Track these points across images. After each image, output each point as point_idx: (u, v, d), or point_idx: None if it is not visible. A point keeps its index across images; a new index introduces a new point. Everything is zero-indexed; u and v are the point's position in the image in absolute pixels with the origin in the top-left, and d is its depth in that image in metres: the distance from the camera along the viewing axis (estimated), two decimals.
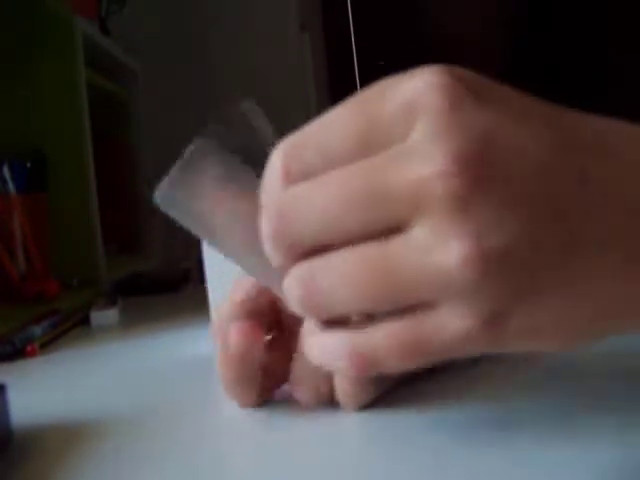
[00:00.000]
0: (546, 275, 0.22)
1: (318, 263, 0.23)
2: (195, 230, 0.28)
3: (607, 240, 0.22)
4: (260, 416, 0.35)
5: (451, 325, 0.22)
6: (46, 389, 0.44)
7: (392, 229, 0.22)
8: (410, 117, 0.22)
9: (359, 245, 0.23)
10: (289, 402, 0.36)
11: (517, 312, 0.22)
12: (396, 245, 0.22)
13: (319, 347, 0.25)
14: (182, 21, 1.50)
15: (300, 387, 0.32)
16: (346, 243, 0.23)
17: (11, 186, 0.77)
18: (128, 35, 1.18)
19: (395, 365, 0.23)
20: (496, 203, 0.21)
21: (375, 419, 0.32)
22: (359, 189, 0.22)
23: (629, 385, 0.33)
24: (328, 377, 0.32)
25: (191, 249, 0.62)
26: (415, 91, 0.22)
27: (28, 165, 0.79)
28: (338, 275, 0.23)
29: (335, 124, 0.24)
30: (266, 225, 0.24)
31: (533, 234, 0.21)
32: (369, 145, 0.23)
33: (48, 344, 0.56)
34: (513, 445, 0.27)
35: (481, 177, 0.21)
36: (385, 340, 0.23)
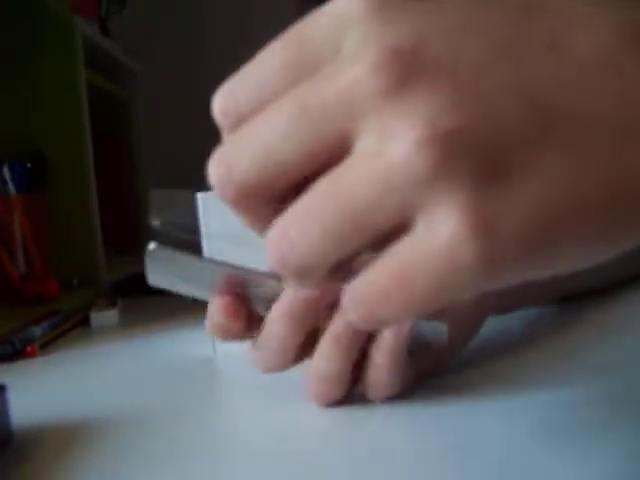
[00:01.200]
0: (524, 154, 0.18)
1: (287, 213, 0.21)
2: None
3: (588, 110, 0.19)
4: (260, 415, 0.35)
5: (432, 242, 0.18)
6: (46, 389, 0.44)
7: (342, 151, 0.20)
8: (339, 33, 0.20)
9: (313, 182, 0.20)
10: (290, 402, 0.36)
11: (506, 203, 0.18)
12: (346, 162, 0.19)
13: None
14: (182, 21, 1.50)
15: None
16: (293, 181, 0.21)
17: (11, 186, 0.77)
18: (128, 35, 1.18)
19: (391, 315, 0.19)
20: (444, 84, 0.18)
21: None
22: (294, 113, 0.20)
23: None
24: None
25: (190, 250, 0.62)
26: (341, 7, 0.21)
27: (28, 165, 0.79)
28: (302, 218, 0.20)
29: (267, 57, 0.22)
30: (212, 176, 0.22)
31: (496, 112, 0.18)
32: (302, 71, 0.21)
33: (48, 345, 0.56)
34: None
35: (421, 61, 0.18)
36: (368, 289, 0.20)
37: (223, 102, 0.22)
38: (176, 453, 0.30)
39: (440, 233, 0.18)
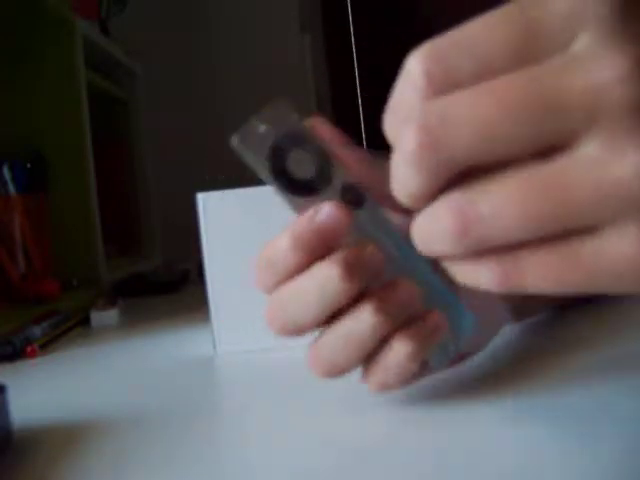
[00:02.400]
0: None
1: (476, 187, 0.21)
2: (262, 172, 0.31)
3: None
4: (260, 415, 0.35)
5: (614, 249, 0.19)
6: (46, 389, 0.44)
7: (557, 146, 0.20)
8: (574, 25, 0.20)
9: (522, 164, 0.20)
10: (290, 402, 0.36)
11: None
12: (566, 161, 0.20)
13: (464, 272, 0.22)
14: (182, 22, 1.50)
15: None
16: (504, 163, 0.20)
17: (11, 187, 0.77)
18: (128, 35, 1.18)
19: (541, 290, 0.21)
20: None
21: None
22: (526, 99, 0.19)
23: None
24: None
25: (190, 250, 0.62)
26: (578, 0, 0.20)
27: (28, 166, 0.79)
28: (501, 199, 0.20)
29: (490, 28, 0.21)
30: (409, 141, 0.20)
31: None
32: (528, 53, 0.20)
33: (48, 345, 0.56)
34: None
35: None
36: (535, 267, 0.21)
37: (430, 64, 0.21)
38: (176, 453, 0.30)
39: (629, 248, 0.19)
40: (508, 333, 0.45)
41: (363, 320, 0.30)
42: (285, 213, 0.46)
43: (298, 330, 0.32)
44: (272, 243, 0.31)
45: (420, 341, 0.30)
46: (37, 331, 0.56)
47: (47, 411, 0.38)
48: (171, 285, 0.85)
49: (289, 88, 1.52)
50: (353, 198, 0.30)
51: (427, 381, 0.36)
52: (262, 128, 0.30)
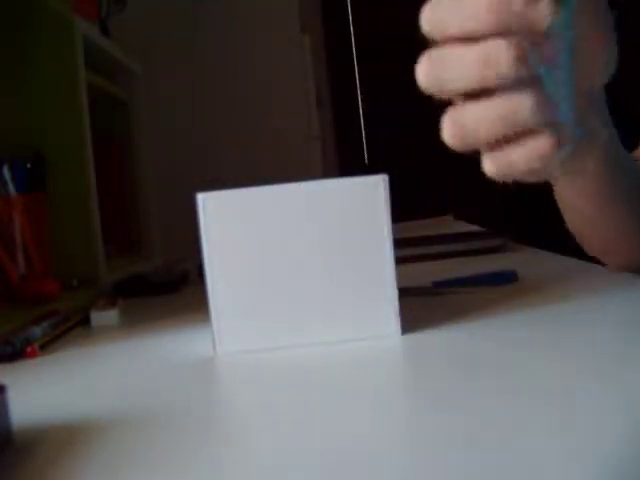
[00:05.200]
0: None
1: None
2: None
3: None
4: (260, 415, 0.35)
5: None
6: (46, 390, 0.44)
7: None
8: None
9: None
10: (290, 402, 0.36)
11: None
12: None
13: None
14: (182, 22, 1.50)
15: None
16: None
17: (11, 187, 0.77)
18: (128, 35, 1.18)
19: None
20: None
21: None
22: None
23: None
24: None
25: (190, 250, 0.62)
26: None
27: (28, 166, 0.79)
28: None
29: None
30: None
31: None
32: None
33: (48, 345, 0.56)
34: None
35: None
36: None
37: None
38: (176, 453, 0.30)
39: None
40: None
41: (523, 105, 0.34)
42: (285, 213, 0.47)
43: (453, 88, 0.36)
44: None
45: (562, 142, 0.35)
46: (37, 331, 0.56)
47: (47, 411, 0.38)
48: (171, 285, 0.85)
49: (289, 88, 1.52)
50: None
51: (426, 381, 0.36)
52: None
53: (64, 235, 0.84)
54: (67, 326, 0.62)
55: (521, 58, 0.33)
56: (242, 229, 0.47)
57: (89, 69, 0.89)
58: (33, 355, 0.52)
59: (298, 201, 0.47)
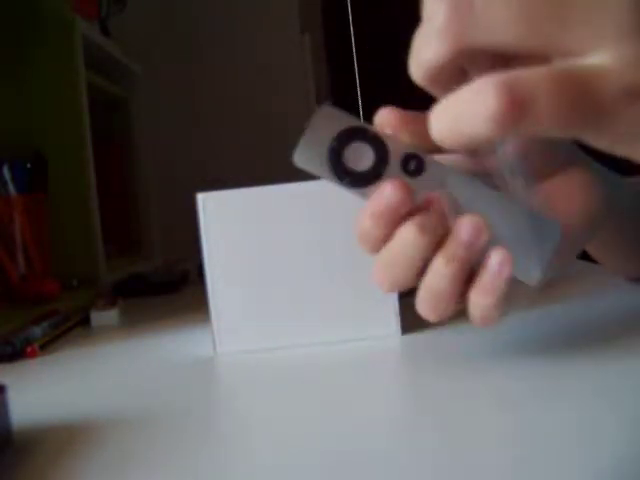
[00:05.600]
0: None
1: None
2: (328, 178, 0.34)
3: None
4: (260, 415, 0.35)
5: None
6: (46, 390, 0.44)
7: None
8: None
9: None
10: (290, 402, 0.36)
11: None
12: None
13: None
14: (182, 22, 1.50)
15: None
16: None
17: (11, 187, 0.77)
18: (128, 35, 1.18)
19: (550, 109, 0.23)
20: None
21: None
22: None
23: None
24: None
25: (190, 250, 0.62)
26: None
27: (28, 166, 0.79)
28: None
29: None
30: (440, 14, 0.25)
31: None
32: None
33: (48, 345, 0.56)
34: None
35: None
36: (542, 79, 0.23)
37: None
38: (176, 453, 0.30)
39: None
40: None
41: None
42: (285, 213, 0.47)
43: (400, 285, 0.37)
44: (358, 224, 0.35)
45: (494, 296, 0.34)
46: (37, 331, 0.56)
47: (47, 411, 0.38)
48: (171, 285, 0.85)
49: (289, 88, 1.52)
50: (415, 166, 0.34)
51: (426, 381, 0.36)
52: (314, 138, 0.33)
53: (64, 235, 0.84)
54: (67, 326, 0.62)
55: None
56: (242, 229, 0.47)
57: (89, 69, 0.89)
58: (33, 355, 0.52)
59: (298, 201, 0.47)
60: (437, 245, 0.34)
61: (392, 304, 0.47)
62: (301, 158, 0.33)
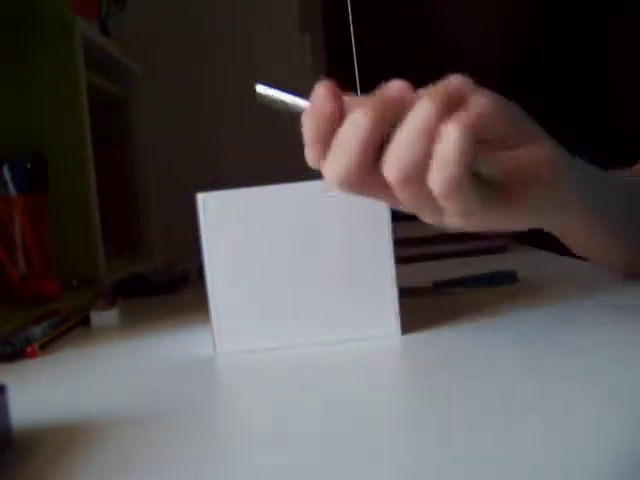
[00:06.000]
0: None
1: None
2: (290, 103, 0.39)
3: None
4: (260, 415, 0.35)
5: None
6: (46, 389, 0.44)
7: None
8: None
9: None
10: (290, 402, 0.36)
11: None
12: None
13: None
14: (182, 22, 1.50)
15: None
16: None
17: (11, 187, 0.77)
18: (128, 35, 1.18)
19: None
20: None
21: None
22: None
23: None
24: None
25: (190, 250, 0.62)
26: None
27: (28, 166, 0.79)
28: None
29: None
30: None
31: None
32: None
33: (48, 345, 0.56)
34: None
35: None
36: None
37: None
38: (176, 453, 0.30)
39: None
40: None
41: (423, 110, 0.35)
42: (285, 213, 0.47)
43: (351, 173, 0.38)
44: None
45: (467, 129, 0.34)
46: (37, 331, 0.56)
47: (47, 411, 0.38)
48: (171, 285, 0.85)
49: (289, 88, 1.52)
50: None
51: (426, 381, 0.36)
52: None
53: (64, 235, 0.84)
54: (67, 326, 0.62)
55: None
56: (242, 229, 0.47)
57: (89, 69, 0.89)
58: (33, 355, 0.52)
59: (298, 201, 0.47)
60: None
61: (392, 304, 0.47)
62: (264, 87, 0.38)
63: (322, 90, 0.39)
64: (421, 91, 0.37)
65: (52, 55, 0.84)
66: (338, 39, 1.94)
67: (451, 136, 0.34)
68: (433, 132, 0.35)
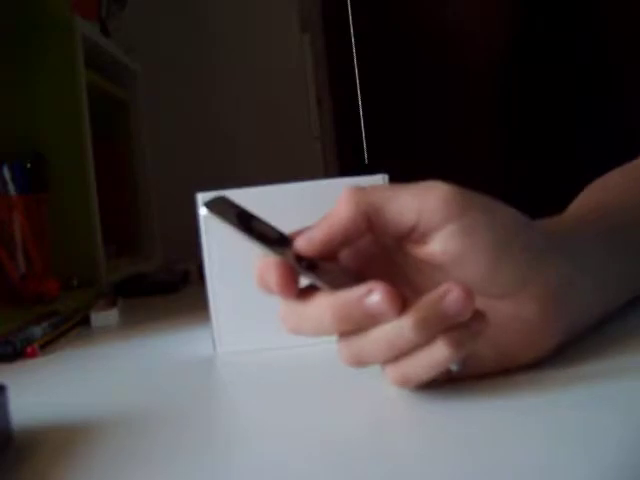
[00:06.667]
0: None
1: None
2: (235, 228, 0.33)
3: None
4: (260, 415, 0.35)
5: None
6: (46, 389, 0.44)
7: None
8: None
9: None
10: (290, 402, 0.36)
11: None
12: None
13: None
14: (182, 22, 1.50)
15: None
16: None
17: (11, 187, 0.77)
18: (128, 35, 1.18)
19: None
20: None
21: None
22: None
23: None
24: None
25: (190, 250, 0.62)
26: None
27: (28, 166, 0.79)
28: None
29: None
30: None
31: None
32: None
33: (48, 345, 0.56)
34: None
35: None
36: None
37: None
38: (176, 453, 0.30)
39: None
40: None
41: (404, 330, 0.31)
42: (285, 213, 0.46)
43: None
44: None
45: (460, 345, 0.31)
46: (37, 331, 0.56)
47: (47, 411, 0.38)
48: (171, 285, 0.85)
49: (289, 89, 1.52)
50: (309, 262, 0.33)
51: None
52: (224, 201, 0.34)
53: (64, 235, 0.84)
54: (67, 326, 0.62)
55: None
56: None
57: (89, 69, 0.89)
58: (33, 355, 0.52)
59: (298, 201, 0.47)
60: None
61: None
62: (210, 210, 0.33)
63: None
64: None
65: (52, 55, 0.84)
66: (338, 39, 1.94)
67: (442, 351, 0.31)
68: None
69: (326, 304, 0.32)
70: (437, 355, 0.31)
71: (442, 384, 0.34)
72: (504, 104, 1.86)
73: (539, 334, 0.35)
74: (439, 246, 0.33)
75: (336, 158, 1.84)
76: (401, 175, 0.49)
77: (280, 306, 0.34)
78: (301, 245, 0.34)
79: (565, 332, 0.37)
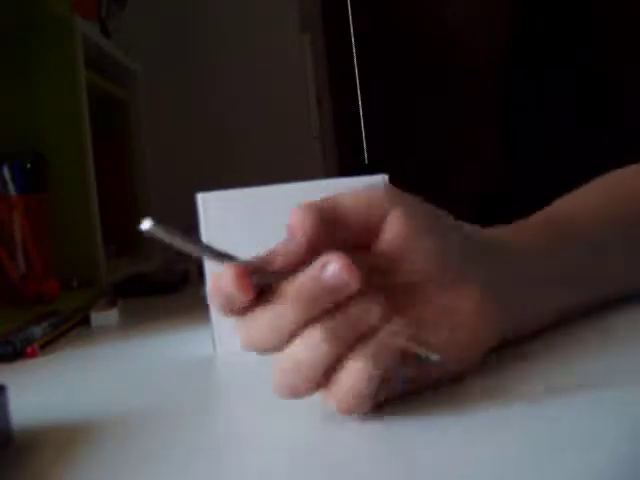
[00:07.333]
0: None
1: None
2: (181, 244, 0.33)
3: None
4: (260, 415, 0.35)
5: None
6: (46, 390, 0.44)
7: None
8: None
9: None
10: (289, 402, 0.36)
11: None
12: None
13: None
14: (182, 22, 1.50)
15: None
16: None
17: (11, 187, 0.77)
18: (128, 35, 1.18)
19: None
20: None
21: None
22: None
23: None
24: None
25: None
26: None
27: (28, 166, 0.79)
28: None
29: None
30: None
31: None
32: None
33: (48, 345, 0.56)
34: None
35: None
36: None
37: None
38: (176, 453, 0.30)
39: None
40: None
41: (314, 347, 0.30)
42: (285, 213, 0.46)
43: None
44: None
45: (374, 358, 0.30)
46: (37, 331, 0.56)
47: (47, 411, 0.38)
48: (171, 285, 0.85)
49: (289, 88, 1.52)
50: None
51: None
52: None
53: (64, 235, 0.84)
54: (67, 326, 0.62)
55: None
56: (242, 229, 0.47)
57: (89, 69, 0.89)
58: (33, 355, 0.52)
59: (298, 201, 0.47)
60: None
61: None
62: (155, 225, 0.32)
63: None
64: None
65: (52, 55, 0.84)
66: (338, 39, 1.94)
67: (359, 363, 0.29)
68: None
69: (284, 296, 0.31)
70: (358, 366, 0.29)
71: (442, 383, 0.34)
72: (504, 104, 1.85)
73: (480, 329, 0.35)
74: (389, 233, 0.34)
75: (336, 158, 1.84)
76: (401, 175, 0.49)
77: (235, 321, 0.34)
78: (272, 260, 0.33)
79: (508, 328, 0.37)
